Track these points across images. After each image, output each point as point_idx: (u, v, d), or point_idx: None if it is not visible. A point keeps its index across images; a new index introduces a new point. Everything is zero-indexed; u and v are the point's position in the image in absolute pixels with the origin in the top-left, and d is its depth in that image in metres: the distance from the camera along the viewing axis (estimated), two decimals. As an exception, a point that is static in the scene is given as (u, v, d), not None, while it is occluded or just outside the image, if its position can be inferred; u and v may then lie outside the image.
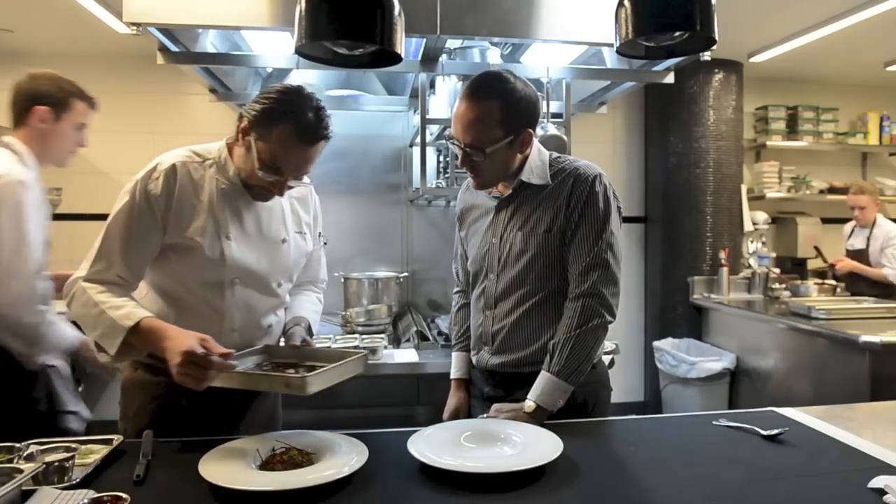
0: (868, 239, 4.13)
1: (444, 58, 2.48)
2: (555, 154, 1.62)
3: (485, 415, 1.53)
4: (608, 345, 2.48)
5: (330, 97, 3.16)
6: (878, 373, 2.86)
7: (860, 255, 4.14)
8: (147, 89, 4.14)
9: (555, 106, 2.84)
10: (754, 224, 4.63)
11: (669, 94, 4.38)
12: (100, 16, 3.17)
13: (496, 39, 2.51)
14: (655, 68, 2.60)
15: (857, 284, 4.12)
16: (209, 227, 1.46)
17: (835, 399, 2.84)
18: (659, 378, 4.28)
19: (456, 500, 1.08)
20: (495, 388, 1.62)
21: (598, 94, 3.19)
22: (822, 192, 4.83)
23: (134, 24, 1.95)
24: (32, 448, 1.16)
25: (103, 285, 1.39)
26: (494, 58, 2.68)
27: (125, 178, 1.49)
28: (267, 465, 1.18)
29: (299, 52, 1.42)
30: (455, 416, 1.69)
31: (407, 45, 2.47)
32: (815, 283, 4.27)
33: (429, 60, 2.41)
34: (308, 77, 3.06)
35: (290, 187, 1.47)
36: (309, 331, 1.64)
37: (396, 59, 1.45)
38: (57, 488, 1.07)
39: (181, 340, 1.26)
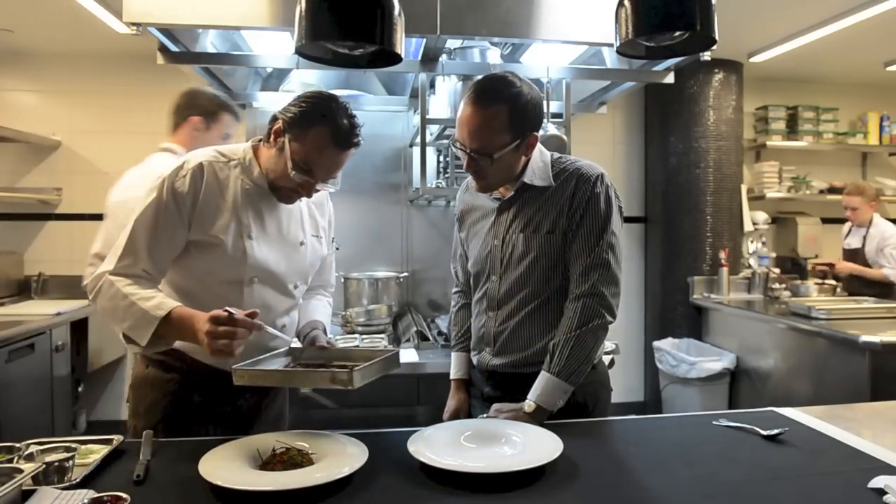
0: (864, 238, 4.13)
1: (444, 58, 2.48)
2: (556, 154, 1.62)
3: (485, 415, 1.53)
4: (608, 345, 2.49)
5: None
6: (878, 373, 2.86)
7: (856, 255, 4.14)
8: (147, 89, 4.13)
9: (555, 106, 2.84)
10: (754, 224, 4.63)
11: (669, 94, 4.38)
12: (100, 16, 3.17)
13: (496, 39, 2.51)
14: (655, 68, 2.60)
15: (854, 284, 4.13)
16: (232, 225, 1.49)
17: (835, 399, 2.84)
18: (659, 378, 4.28)
19: (456, 500, 1.08)
20: (496, 388, 1.62)
21: (598, 94, 3.19)
22: (822, 192, 4.83)
23: (134, 24, 1.95)
24: (32, 448, 1.16)
25: (130, 278, 1.42)
26: (494, 58, 2.68)
27: (125, 178, 1.49)
28: (267, 465, 1.18)
29: (299, 52, 1.42)
30: (455, 416, 1.69)
31: (407, 45, 2.47)
32: (815, 283, 4.27)
33: (429, 60, 2.41)
34: (308, 77, 3.06)
35: (317, 190, 1.51)
36: (324, 334, 1.69)
37: (396, 59, 1.45)
38: (57, 488, 1.07)
39: (208, 314, 1.30)
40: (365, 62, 1.51)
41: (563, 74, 2.66)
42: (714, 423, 1.47)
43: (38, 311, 3.37)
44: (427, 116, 2.64)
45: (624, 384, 4.67)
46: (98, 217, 2.28)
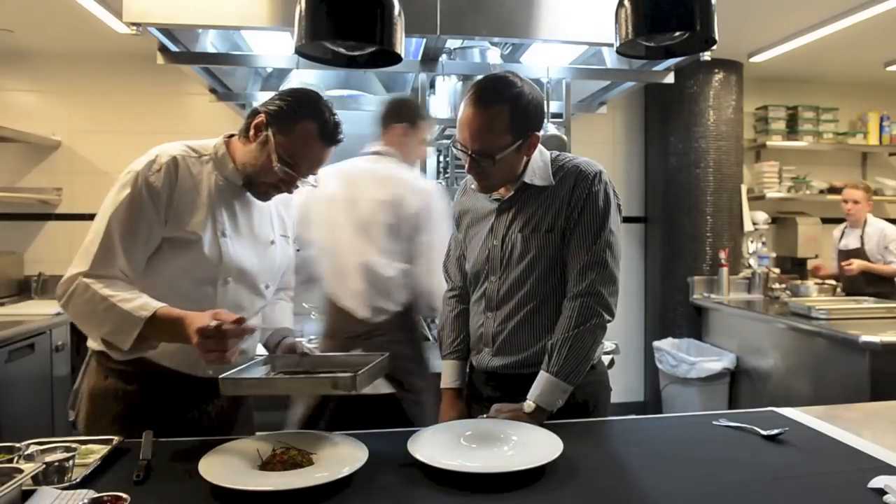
0: (861, 238, 4.14)
1: (444, 58, 2.48)
2: (554, 152, 1.62)
3: (485, 415, 1.53)
4: (608, 345, 2.48)
5: (330, 97, 3.16)
6: (878, 373, 2.86)
7: (856, 255, 4.14)
8: (147, 89, 4.14)
9: (555, 106, 2.84)
10: (754, 224, 4.63)
11: (669, 94, 4.38)
12: (100, 16, 3.17)
13: (496, 39, 2.51)
14: (655, 68, 2.60)
15: (858, 284, 4.13)
16: (208, 222, 1.45)
17: (835, 399, 2.84)
18: (659, 378, 4.28)
19: (456, 500, 1.08)
20: (496, 389, 1.61)
21: (598, 94, 3.19)
22: (822, 192, 4.83)
23: (134, 24, 1.95)
24: (32, 448, 1.16)
25: (106, 280, 1.35)
26: (494, 58, 2.68)
27: (126, 178, 1.48)
28: (267, 465, 1.18)
29: (299, 52, 1.42)
30: None
31: (407, 45, 2.47)
32: (815, 283, 4.27)
33: (429, 60, 2.41)
34: (308, 77, 3.06)
35: (297, 186, 1.49)
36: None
37: (396, 59, 1.45)
38: (57, 488, 1.07)
39: (195, 320, 1.25)
40: (365, 62, 1.51)
41: (563, 74, 2.66)
42: (714, 423, 1.47)
43: (38, 311, 3.37)
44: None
45: (624, 384, 4.67)
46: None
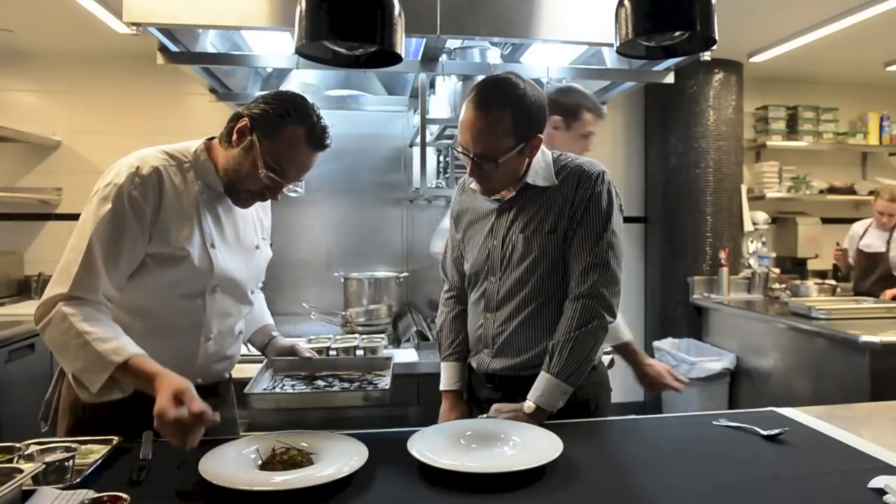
0: (888, 242, 4.09)
1: (444, 58, 2.47)
2: (556, 152, 1.61)
3: (484, 415, 1.53)
4: (608, 345, 2.48)
5: (330, 97, 3.16)
6: (878, 373, 2.86)
7: (879, 257, 4.11)
8: (147, 89, 4.14)
9: (555, 106, 2.83)
10: (754, 224, 4.63)
11: (669, 94, 4.38)
12: (100, 16, 3.17)
13: (496, 39, 2.51)
14: (655, 68, 2.60)
15: (868, 283, 4.11)
16: (196, 234, 1.40)
17: (835, 399, 2.84)
18: (659, 378, 4.27)
19: (456, 500, 1.08)
20: (496, 390, 1.60)
21: (598, 94, 3.18)
22: (822, 192, 4.83)
23: (134, 24, 1.95)
24: (32, 448, 1.16)
25: (86, 308, 1.28)
26: (494, 58, 2.68)
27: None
28: (267, 465, 1.18)
29: (299, 52, 1.41)
30: None
31: (407, 45, 2.47)
32: (815, 283, 4.27)
33: (429, 60, 2.41)
34: (308, 77, 3.06)
35: (282, 194, 1.44)
36: (282, 338, 1.70)
37: (396, 59, 1.45)
38: (57, 488, 1.07)
39: (163, 389, 1.17)
40: (365, 62, 1.51)
41: (563, 74, 2.65)
42: (714, 423, 1.47)
43: (38, 311, 3.36)
44: (427, 116, 2.64)
45: (624, 384, 4.62)
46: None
